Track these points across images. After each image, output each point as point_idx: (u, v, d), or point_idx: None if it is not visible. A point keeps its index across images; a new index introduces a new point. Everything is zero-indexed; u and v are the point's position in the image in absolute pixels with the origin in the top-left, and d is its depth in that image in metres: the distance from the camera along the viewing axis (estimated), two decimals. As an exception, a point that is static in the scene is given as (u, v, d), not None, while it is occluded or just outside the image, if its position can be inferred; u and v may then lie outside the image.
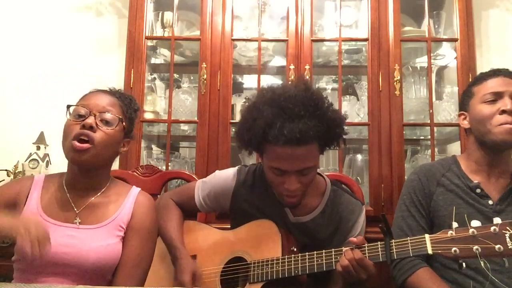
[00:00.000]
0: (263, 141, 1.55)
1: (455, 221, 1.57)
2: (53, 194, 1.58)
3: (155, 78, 2.96)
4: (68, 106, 1.55)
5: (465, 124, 1.81)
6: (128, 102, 1.65)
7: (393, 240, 1.39)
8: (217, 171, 1.89)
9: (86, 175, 1.56)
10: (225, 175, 1.83)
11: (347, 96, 2.81)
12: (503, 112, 1.66)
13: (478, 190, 1.71)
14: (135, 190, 1.65)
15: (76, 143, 1.47)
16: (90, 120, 1.49)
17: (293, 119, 1.48)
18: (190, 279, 1.62)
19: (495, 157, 1.74)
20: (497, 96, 1.70)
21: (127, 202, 1.60)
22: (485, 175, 1.75)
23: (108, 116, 1.54)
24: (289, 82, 1.69)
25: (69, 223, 1.52)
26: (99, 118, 1.52)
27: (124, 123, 1.59)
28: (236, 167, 1.85)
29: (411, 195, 1.81)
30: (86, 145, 1.47)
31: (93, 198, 1.57)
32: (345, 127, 1.66)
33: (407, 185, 1.86)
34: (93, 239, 1.49)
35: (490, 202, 1.69)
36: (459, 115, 1.86)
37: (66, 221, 1.52)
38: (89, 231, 1.51)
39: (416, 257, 1.68)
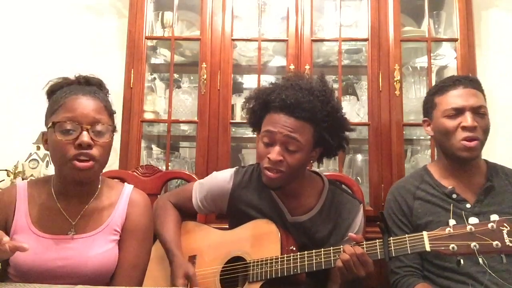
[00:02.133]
0: (265, 109, 1.64)
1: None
2: (43, 205, 1.49)
3: (155, 78, 2.97)
4: (54, 124, 1.41)
5: (429, 131, 1.88)
6: (103, 92, 1.55)
7: (391, 238, 1.40)
8: (214, 172, 1.89)
9: (79, 184, 1.48)
10: (222, 177, 1.83)
11: (347, 96, 2.81)
12: (464, 128, 1.71)
13: (454, 196, 1.75)
14: (128, 189, 1.60)
15: (79, 164, 1.38)
16: (86, 138, 1.38)
17: (295, 90, 1.59)
18: (183, 281, 1.61)
19: (462, 164, 1.78)
20: (458, 111, 1.74)
21: (120, 203, 1.55)
22: (457, 180, 1.79)
23: (100, 127, 1.43)
24: None
25: (63, 234, 1.46)
26: (91, 131, 1.41)
27: (113, 127, 1.50)
28: (234, 168, 1.86)
29: (392, 216, 1.85)
30: (90, 164, 1.39)
31: (86, 206, 1.50)
32: (348, 133, 1.72)
33: (386, 207, 1.91)
34: (89, 247, 1.45)
35: (468, 205, 1.72)
36: (423, 121, 1.92)
37: (59, 233, 1.45)
38: (84, 240, 1.46)
39: (411, 275, 1.74)
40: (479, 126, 1.71)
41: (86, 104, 1.43)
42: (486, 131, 1.75)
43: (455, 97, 1.76)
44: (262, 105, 1.65)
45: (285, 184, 1.66)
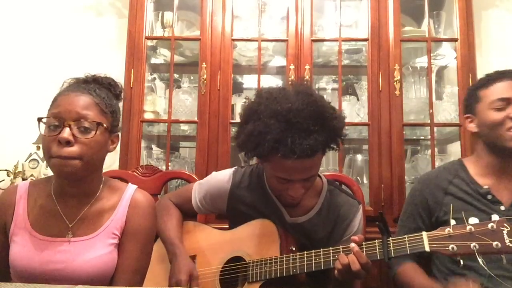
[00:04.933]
0: (270, 153, 1.51)
1: None
2: (42, 206, 1.46)
3: (155, 78, 2.97)
4: (39, 119, 1.39)
5: (472, 127, 1.80)
6: (106, 92, 1.49)
7: (390, 238, 1.39)
8: (213, 173, 1.89)
9: (76, 184, 1.44)
10: (221, 177, 1.82)
11: (347, 96, 2.81)
12: None
13: (489, 197, 1.69)
14: (131, 189, 1.53)
15: (60, 161, 1.34)
16: (66, 134, 1.33)
17: (303, 135, 1.46)
18: (186, 278, 1.61)
19: (507, 161, 1.72)
20: (506, 102, 1.69)
21: (120, 206, 1.49)
22: (495, 179, 1.73)
23: (85, 123, 1.37)
24: (290, 87, 1.61)
25: (61, 237, 1.42)
26: (75, 127, 1.36)
27: (105, 125, 1.42)
28: (232, 168, 1.85)
29: (410, 205, 1.84)
30: (69, 162, 1.34)
31: (85, 209, 1.46)
32: (346, 130, 1.65)
33: (409, 195, 1.88)
34: (86, 251, 1.41)
35: (502, 207, 1.67)
36: (465, 118, 1.84)
37: (57, 236, 1.42)
38: (82, 243, 1.42)
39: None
40: None
41: (72, 100, 1.39)
42: None
43: (502, 89, 1.72)
44: (268, 150, 1.50)
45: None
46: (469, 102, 1.83)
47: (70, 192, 1.45)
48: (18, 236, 1.43)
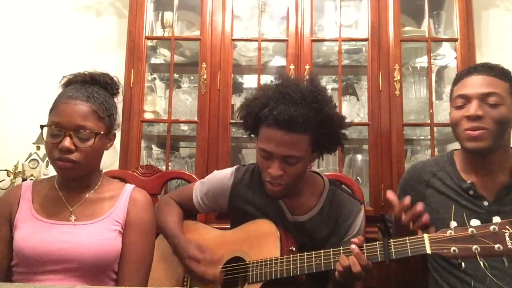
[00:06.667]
0: (258, 122, 1.60)
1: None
2: (45, 195, 1.57)
3: (155, 78, 2.97)
4: (42, 127, 1.50)
5: None
6: (103, 94, 1.57)
7: (391, 240, 1.39)
8: (215, 171, 1.90)
9: (77, 179, 1.55)
10: (223, 175, 1.83)
11: (347, 96, 2.81)
12: (468, 117, 1.60)
13: (471, 192, 1.65)
14: (129, 187, 1.64)
15: (60, 164, 1.46)
16: (67, 143, 1.44)
17: (287, 103, 1.53)
18: (197, 249, 1.66)
19: (481, 158, 1.67)
20: (466, 100, 1.63)
21: (121, 199, 1.59)
22: (479, 174, 1.68)
23: (83, 133, 1.47)
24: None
25: (64, 220, 1.51)
26: (75, 136, 1.46)
27: (102, 132, 1.52)
28: (234, 167, 1.86)
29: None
30: (68, 164, 1.46)
31: (87, 195, 1.57)
32: (346, 132, 1.66)
33: (399, 185, 1.89)
34: (90, 233, 1.49)
35: (485, 203, 1.63)
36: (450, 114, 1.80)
37: (60, 219, 1.51)
38: (85, 226, 1.51)
39: None
40: (488, 117, 1.58)
41: (72, 110, 1.48)
42: (498, 121, 1.58)
43: (464, 85, 1.65)
44: (255, 119, 1.62)
45: (289, 192, 1.67)
46: (449, 98, 1.78)
47: (72, 184, 1.56)
48: (23, 222, 1.51)
